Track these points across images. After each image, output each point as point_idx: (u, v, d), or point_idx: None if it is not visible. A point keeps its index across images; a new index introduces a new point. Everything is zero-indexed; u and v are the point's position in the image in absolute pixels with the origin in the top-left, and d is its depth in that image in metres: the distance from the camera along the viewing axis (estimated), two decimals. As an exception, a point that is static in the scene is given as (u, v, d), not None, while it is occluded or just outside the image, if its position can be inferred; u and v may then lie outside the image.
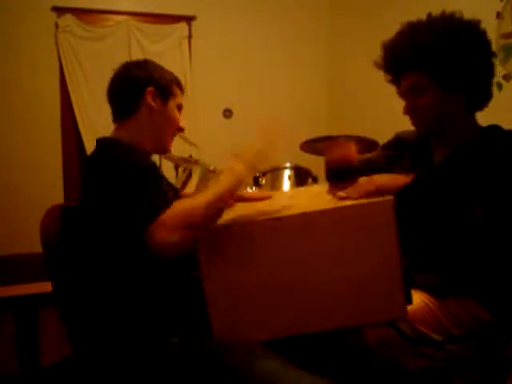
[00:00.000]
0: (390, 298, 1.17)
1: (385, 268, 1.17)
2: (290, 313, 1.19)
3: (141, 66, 1.46)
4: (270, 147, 1.26)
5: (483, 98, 1.42)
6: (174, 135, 1.50)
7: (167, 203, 1.15)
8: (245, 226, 1.19)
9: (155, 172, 1.40)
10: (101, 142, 1.40)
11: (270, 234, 1.17)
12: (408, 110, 1.44)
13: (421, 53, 1.35)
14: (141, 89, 1.41)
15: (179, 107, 1.49)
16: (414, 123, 1.47)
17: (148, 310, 1.27)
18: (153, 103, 1.42)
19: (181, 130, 1.50)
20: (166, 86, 1.44)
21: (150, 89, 1.41)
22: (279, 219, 1.18)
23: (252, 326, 1.21)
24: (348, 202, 1.21)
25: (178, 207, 1.14)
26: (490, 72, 1.41)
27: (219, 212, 1.18)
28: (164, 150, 1.50)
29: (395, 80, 1.47)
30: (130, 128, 1.42)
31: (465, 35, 1.35)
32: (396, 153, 1.55)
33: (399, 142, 1.60)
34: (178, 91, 1.48)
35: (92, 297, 1.31)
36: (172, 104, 1.46)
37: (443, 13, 1.41)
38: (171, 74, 1.50)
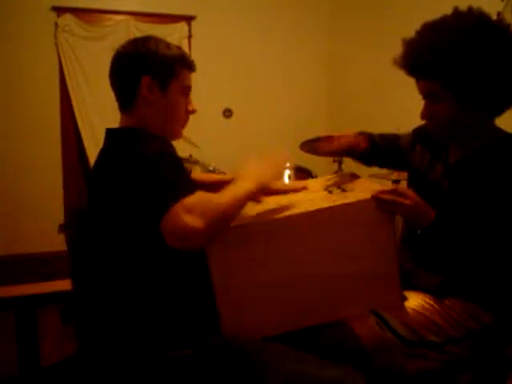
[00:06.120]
0: (389, 288, 1.25)
1: (383, 260, 1.23)
2: (295, 307, 1.23)
3: (137, 48, 1.31)
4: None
5: (505, 106, 1.33)
6: (184, 120, 1.39)
7: (193, 189, 1.09)
8: (251, 225, 1.20)
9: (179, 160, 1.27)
10: (116, 133, 1.32)
11: (275, 233, 1.20)
12: (425, 116, 1.37)
13: (435, 62, 1.26)
14: (135, 77, 1.29)
15: (185, 89, 1.35)
16: (430, 129, 1.41)
17: (154, 309, 1.26)
18: (149, 94, 1.29)
19: (191, 112, 1.39)
20: (166, 69, 1.30)
21: (146, 78, 1.28)
22: (284, 218, 1.20)
23: (260, 322, 1.24)
24: (347, 200, 1.25)
25: (208, 196, 1.09)
26: None
27: (238, 212, 1.16)
28: (173, 137, 1.38)
29: (414, 78, 1.38)
30: (135, 117, 1.32)
31: (488, 43, 1.24)
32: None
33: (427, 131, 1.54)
34: (184, 70, 1.34)
35: (102, 296, 1.30)
36: (175, 88, 1.32)
37: (469, 10, 1.29)
38: (176, 50, 1.34)
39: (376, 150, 1.61)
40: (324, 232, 1.21)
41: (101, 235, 1.28)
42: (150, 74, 1.29)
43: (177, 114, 1.36)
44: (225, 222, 1.12)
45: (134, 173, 1.14)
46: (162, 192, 1.08)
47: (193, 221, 1.04)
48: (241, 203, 1.15)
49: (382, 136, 1.67)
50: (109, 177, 1.22)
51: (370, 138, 1.61)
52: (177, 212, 1.04)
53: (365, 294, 1.24)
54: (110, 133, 1.34)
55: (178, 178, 1.13)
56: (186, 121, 1.40)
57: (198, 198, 1.08)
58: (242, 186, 1.18)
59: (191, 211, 1.05)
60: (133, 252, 1.22)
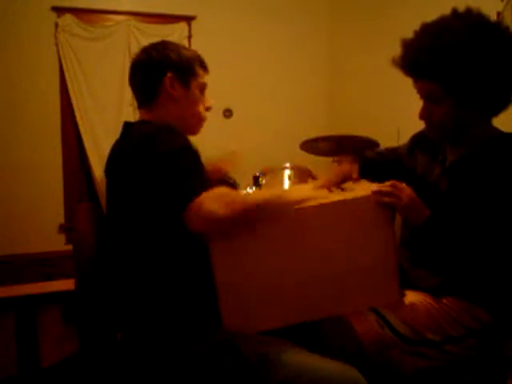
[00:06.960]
0: (387, 283, 1.25)
1: (382, 257, 1.23)
2: (294, 301, 1.24)
3: (158, 49, 1.41)
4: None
5: (504, 106, 1.34)
6: (203, 116, 1.46)
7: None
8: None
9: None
10: (137, 124, 1.36)
11: (279, 225, 1.20)
12: (423, 116, 1.37)
13: (435, 64, 1.26)
14: (159, 75, 1.38)
15: (202, 87, 1.45)
16: (427, 129, 1.42)
17: (161, 307, 1.25)
18: (172, 91, 1.38)
19: (208, 108, 1.47)
20: (186, 68, 1.40)
21: (169, 75, 1.38)
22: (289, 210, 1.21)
23: (259, 316, 1.24)
24: (346, 197, 1.26)
25: (234, 192, 1.18)
26: None
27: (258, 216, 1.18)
28: (192, 132, 1.45)
29: (412, 79, 1.38)
30: (155, 112, 1.40)
31: (487, 45, 1.23)
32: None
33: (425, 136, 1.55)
34: (201, 71, 1.44)
35: (109, 294, 1.30)
36: (194, 85, 1.42)
37: (468, 11, 1.29)
38: (193, 52, 1.45)
39: (373, 167, 1.59)
40: (323, 227, 1.22)
41: (113, 231, 1.29)
42: (173, 71, 1.38)
43: (196, 110, 1.44)
44: (245, 219, 1.16)
45: (158, 164, 1.19)
46: (189, 182, 1.15)
47: (218, 208, 1.11)
48: (262, 207, 1.18)
49: (379, 153, 1.67)
50: (131, 167, 1.24)
51: (365, 160, 1.57)
52: (204, 198, 1.12)
53: (364, 290, 1.25)
54: (128, 126, 1.37)
55: (201, 171, 1.21)
56: (205, 117, 1.47)
57: (225, 190, 1.16)
58: (265, 194, 1.24)
59: (217, 200, 1.12)
60: (142, 249, 1.23)
